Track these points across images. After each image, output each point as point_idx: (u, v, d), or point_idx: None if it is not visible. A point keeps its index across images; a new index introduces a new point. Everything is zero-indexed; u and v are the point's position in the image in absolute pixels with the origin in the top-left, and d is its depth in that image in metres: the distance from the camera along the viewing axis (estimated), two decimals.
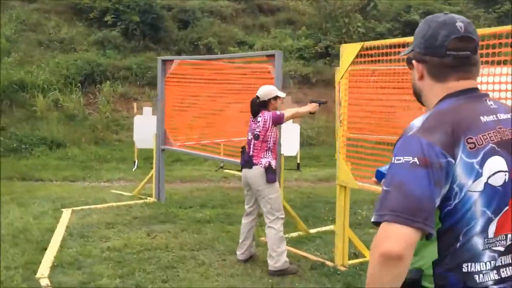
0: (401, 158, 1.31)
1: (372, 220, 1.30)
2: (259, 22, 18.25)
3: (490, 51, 3.28)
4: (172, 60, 7.36)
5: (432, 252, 1.35)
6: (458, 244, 1.33)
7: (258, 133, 4.58)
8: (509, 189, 1.36)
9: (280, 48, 15.95)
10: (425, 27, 1.44)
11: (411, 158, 1.28)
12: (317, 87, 15.10)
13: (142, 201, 7.37)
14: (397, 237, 1.22)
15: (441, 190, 1.29)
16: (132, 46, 15.73)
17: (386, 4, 18.17)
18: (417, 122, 1.37)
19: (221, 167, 10.24)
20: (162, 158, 7.50)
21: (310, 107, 4.98)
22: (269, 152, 4.62)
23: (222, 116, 8.22)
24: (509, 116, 1.42)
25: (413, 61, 1.48)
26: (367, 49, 4.36)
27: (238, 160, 7.64)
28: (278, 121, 4.66)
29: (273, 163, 4.65)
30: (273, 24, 18.22)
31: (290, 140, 8.81)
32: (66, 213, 6.55)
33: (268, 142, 4.60)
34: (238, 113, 8.80)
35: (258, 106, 4.68)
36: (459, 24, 1.40)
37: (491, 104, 1.43)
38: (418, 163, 1.27)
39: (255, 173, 4.57)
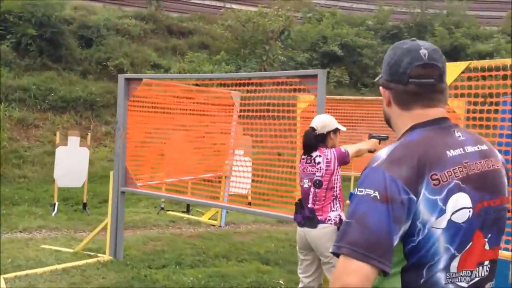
0: (363, 190, 1.29)
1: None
2: (171, 45, 16.90)
3: None
4: (139, 80, 5.82)
5: (395, 284, 1.32)
6: (422, 280, 1.31)
7: (320, 178, 3.59)
8: (473, 225, 1.34)
9: (200, 73, 14.79)
10: (391, 54, 1.45)
11: (372, 191, 1.27)
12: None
13: (93, 260, 5.61)
14: (355, 272, 1.21)
15: (401, 227, 1.26)
16: (26, 63, 13.31)
17: (299, 34, 18.00)
18: (383, 153, 1.35)
19: (162, 209, 8.65)
20: (122, 203, 5.85)
21: (371, 143, 3.97)
22: (337, 202, 3.64)
23: (188, 149, 6.90)
24: (476, 148, 1.41)
25: (380, 88, 1.48)
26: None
27: (209, 201, 6.49)
28: (344, 160, 3.67)
29: (343, 217, 3.57)
30: (186, 48, 16.99)
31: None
32: None
33: (334, 189, 3.62)
34: (204, 146, 7.54)
35: (316, 141, 3.60)
36: (422, 51, 1.40)
37: (459, 136, 1.41)
38: (378, 197, 1.25)
39: (322, 234, 3.55)
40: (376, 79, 1.55)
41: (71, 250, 5.97)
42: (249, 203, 8.29)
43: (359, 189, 1.30)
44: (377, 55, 17.37)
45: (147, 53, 15.33)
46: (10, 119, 11.10)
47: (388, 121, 1.52)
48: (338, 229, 3.46)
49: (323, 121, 3.67)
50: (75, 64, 14.02)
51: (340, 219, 3.54)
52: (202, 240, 6.82)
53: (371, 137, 4.05)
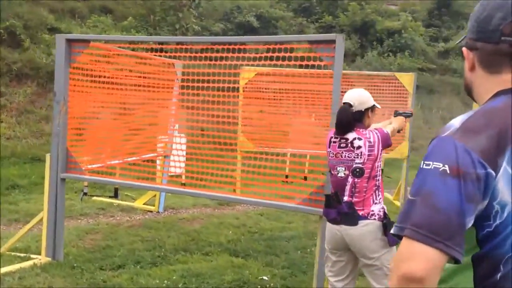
0: (430, 163, 1.12)
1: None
2: (69, 7, 15.04)
3: None
4: (83, 42, 4.73)
5: (466, 281, 1.16)
6: (499, 275, 1.13)
7: (361, 166, 3.01)
8: None
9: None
10: (479, 9, 1.26)
11: (441, 165, 1.10)
12: None
13: (28, 263, 4.55)
14: (420, 257, 1.06)
15: (476, 207, 1.09)
16: None
17: (211, 2, 17.12)
18: (456, 121, 1.18)
19: (85, 194, 7.52)
20: (62, 193, 4.80)
21: (399, 121, 3.53)
22: (379, 193, 3.08)
23: (131, 127, 6.00)
24: None
25: (463, 49, 1.30)
26: None
27: (155, 184, 5.66)
28: (387, 143, 3.13)
29: (386, 210, 3.10)
30: (86, 11, 15.26)
31: None
32: None
33: (377, 178, 3.07)
34: (146, 123, 6.63)
35: (353, 119, 3.07)
36: None
37: None
38: (448, 171, 1.09)
39: (366, 232, 2.98)
40: (459, 40, 1.40)
41: None
42: (183, 184, 7.57)
43: (425, 162, 1.15)
44: (291, 28, 17.16)
45: (42, 15, 13.43)
46: None
47: (469, 90, 1.33)
48: (383, 225, 2.96)
49: (360, 97, 3.11)
50: None
51: (385, 213, 3.02)
52: (148, 230, 5.98)
53: (396, 114, 3.60)
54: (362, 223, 2.99)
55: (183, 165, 7.02)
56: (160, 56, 6.18)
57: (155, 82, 6.27)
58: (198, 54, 4.57)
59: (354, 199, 3.02)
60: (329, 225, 3.15)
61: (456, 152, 1.10)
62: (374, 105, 3.18)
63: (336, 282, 3.20)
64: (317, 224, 4.57)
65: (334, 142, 3.11)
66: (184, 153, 6.91)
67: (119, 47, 5.62)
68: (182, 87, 6.29)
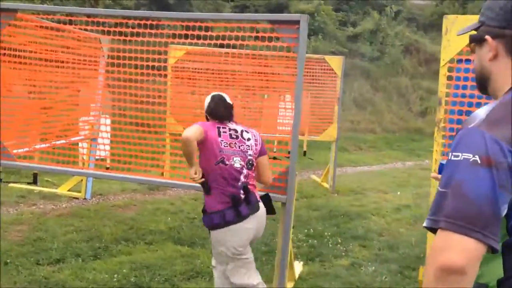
0: (459, 154, 1.13)
1: (424, 224, 1.15)
2: None
3: None
4: (12, 11, 4.19)
5: (496, 268, 1.18)
6: None
7: (252, 158, 3.10)
8: None
9: None
10: None
11: (471, 155, 1.11)
12: None
13: None
14: (458, 248, 1.06)
15: (508, 195, 1.11)
16: None
17: None
18: (482, 111, 1.19)
19: (0, 180, 6.86)
20: None
21: None
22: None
23: (58, 107, 5.56)
24: None
25: (487, 37, 1.26)
26: None
27: (82, 169, 5.27)
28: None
29: None
30: None
31: None
32: None
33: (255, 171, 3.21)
34: (73, 103, 6.17)
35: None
36: None
37: None
38: (479, 161, 1.10)
39: (263, 211, 3.15)
40: (468, 29, 1.35)
41: None
42: (107, 168, 7.20)
43: (453, 153, 1.14)
44: (206, 7, 16.82)
45: None
46: None
47: (484, 80, 1.31)
48: (265, 205, 3.19)
49: (224, 95, 3.22)
50: None
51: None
52: (80, 219, 5.60)
53: None
54: (260, 205, 3.12)
55: (108, 148, 6.66)
56: (86, 30, 5.72)
57: (79, 59, 5.80)
58: (130, 30, 4.24)
59: (250, 189, 3.07)
60: (234, 227, 2.95)
61: (485, 142, 1.10)
62: None
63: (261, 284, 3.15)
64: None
65: (224, 132, 3.03)
66: (109, 135, 6.55)
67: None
68: (107, 65, 5.92)
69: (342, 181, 8.57)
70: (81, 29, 5.61)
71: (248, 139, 3.09)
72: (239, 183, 2.99)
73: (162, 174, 7.52)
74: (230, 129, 3.06)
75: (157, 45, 4.35)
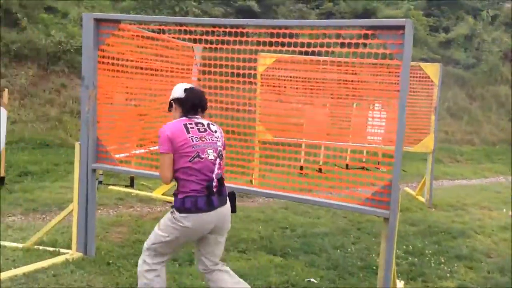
0: None
1: None
2: None
3: None
4: (113, 22, 4.36)
5: None
6: None
7: (221, 149, 3.20)
8: None
9: None
10: None
11: None
12: None
13: (59, 258, 4.24)
14: None
15: None
16: None
17: None
18: None
19: (100, 182, 7.19)
20: (93, 184, 4.48)
21: None
22: None
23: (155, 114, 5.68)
24: None
25: None
26: None
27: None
28: None
29: None
30: None
31: None
32: None
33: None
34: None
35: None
36: None
37: None
38: None
39: (228, 207, 3.21)
40: None
41: (19, 245, 4.49)
42: None
43: None
44: (291, 14, 16.81)
45: None
46: None
47: None
48: (231, 199, 3.26)
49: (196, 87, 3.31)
50: None
51: None
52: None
53: None
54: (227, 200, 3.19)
55: None
56: (179, 38, 5.84)
57: (173, 67, 5.93)
58: (221, 38, 4.24)
59: (222, 180, 3.13)
60: (201, 215, 3.00)
61: None
62: None
63: (159, 263, 3.22)
64: (367, 223, 4.32)
65: (192, 128, 3.08)
66: None
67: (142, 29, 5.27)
68: (199, 73, 6.00)
69: (439, 194, 8.07)
70: (174, 37, 5.75)
71: (215, 131, 3.17)
72: (214, 174, 3.06)
73: (251, 181, 7.53)
74: (197, 124, 3.11)
75: (247, 52, 4.34)
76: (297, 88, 8.55)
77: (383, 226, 3.55)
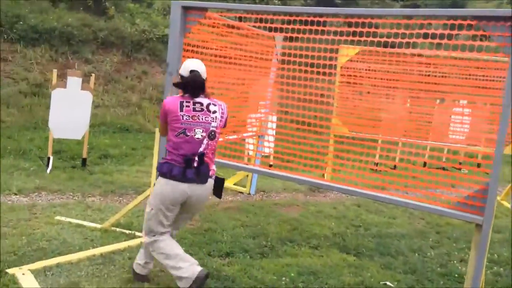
0: None
1: None
2: None
3: None
4: (200, 10, 4.37)
5: None
6: None
7: (215, 129, 3.31)
8: None
9: None
10: None
11: None
12: None
13: (135, 241, 4.34)
14: None
15: None
16: None
17: None
18: None
19: None
20: None
21: None
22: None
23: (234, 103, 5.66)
24: None
25: None
26: None
27: (249, 165, 5.30)
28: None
29: None
30: None
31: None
32: (25, 280, 3.32)
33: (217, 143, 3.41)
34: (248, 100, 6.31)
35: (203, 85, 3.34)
36: None
37: None
38: None
39: (208, 188, 3.37)
40: None
41: (98, 226, 4.65)
42: (270, 165, 7.22)
43: None
44: (373, 6, 16.25)
45: None
46: None
47: None
48: (215, 183, 3.41)
49: (203, 67, 3.36)
50: None
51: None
52: (246, 214, 5.67)
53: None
54: (209, 181, 3.31)
55: (272, 145, 6.68)
56: (259, 27, 5.76)
57: (253, 56, 5.88)
58: (302, 27, 4.10)
59: (206, 160, 3.25)
60: (174, 183, 3.21)
61: None
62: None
63: (167, 226, 3.40)
64: (451, 228, 4.05)
65: (187, 106, 3.22)
66: (274, 132, 6.57)
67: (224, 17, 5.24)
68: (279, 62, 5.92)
69: None
70: (255, 26, 5.68)
71: (214, 112, 3.28)
72: (198, 151, 3.21)
73: (323, 175, 7.37)
74: (195, 103, 3.24)
75: (330, 43, 4.19)
76: (381, 80, 8.24)
77: (475, 233, 3.28)
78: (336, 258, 4.49)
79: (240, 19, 4.67)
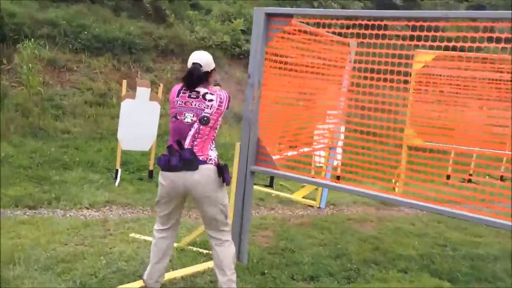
0: None
1: None
2: None
3: None
4: (285, 17, 4.13)
5: None
6: None
7: (208, 115, 3.30)
8: None
9: (246, 17, 12.94)
10: None
11: None
12: None
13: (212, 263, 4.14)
14: None
15: None
16: None
17: None
18: None
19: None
20: (250, 188, 4.32)
21: None
22: (214, 143, 3.39)
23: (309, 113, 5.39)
24: None
25: None
26: None
27: (319, 179, 4.98)
28: (229, 105, 3.48)
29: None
30: None
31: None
32: None
33: (216, 130, 3.38)
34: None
35: (203, 77, 3.36)
36: None
37: None
38: None
39: (206, 174, 3.25)
40: None
41: (174, 245, 4.48)
42: (338, 177, 6.86)
43: None
44: (436, 8, 15.61)
45: None
46: (40, 59, 9.28)
47: None
48: (218, 168, 3.26)
49: (207, 59, 3.40)
50: None
51: (218, 160, 3.31)
52: (321, 231, 5.39)
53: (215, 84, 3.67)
54: (202, 167, 3.21)
55: (339, 157, 6.34)
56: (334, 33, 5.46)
57: (327, 64, 5.60)
58: (374, 31, 3.79)
59: (195, 146, 3.22)
60: (165, 174, 3.26)
61: None
62: (214, 67, 3.45)
63: (159, 231, 3.46)
64: None
65: (184, 93, 3.29)
66: (342, 143, 6.23)
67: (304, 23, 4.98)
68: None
69: None
70: (329, 32, 5.39)
71: (210, 100, 3.28)
72: (186, 137, 3.20)
73: (394, 189, 6.97)
74: (192, 91, 3.28)
75: (405, 48, 3.88)
76: (457, 87, 7.77)
77: None
78: (430, 284, 4.13)
79: (322, 24, 4.40)
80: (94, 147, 7.46)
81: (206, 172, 3.23)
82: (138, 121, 6.36)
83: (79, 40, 10.14)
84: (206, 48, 11.33)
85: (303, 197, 6.79)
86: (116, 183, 6.36)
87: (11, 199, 5.31)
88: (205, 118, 3.24)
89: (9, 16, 9.52)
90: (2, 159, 6.39)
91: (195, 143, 3.21)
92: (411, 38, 3.70)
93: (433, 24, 3.78)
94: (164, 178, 3.28)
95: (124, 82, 6.46)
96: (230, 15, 13.03)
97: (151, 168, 6.78)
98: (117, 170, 6.49)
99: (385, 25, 3.76)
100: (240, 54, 12.08)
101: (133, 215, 5.41)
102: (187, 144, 3.20)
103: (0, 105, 7.71)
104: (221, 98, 3.34)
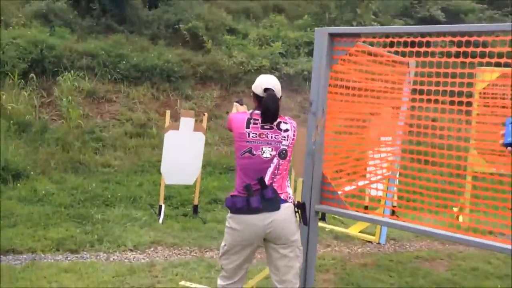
0: None
1: None
2: (243, 7, 14.71)
3: None
4: (354, 36, 3.69)
5: None
6: None
7: (286, 148, 2.99)
8: None
9: (284, 40, 12.63)
10: None
11: None
12: None
13: None
14: None
15: None
16: (88, 24, 11.43)
17: None
18: None
19: None
20: (315, 229, 3.82)
21: (241, 109, 3.45)
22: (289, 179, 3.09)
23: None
24: None
25: None
26: None
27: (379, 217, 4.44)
28: None
29: None
30: (259, 11, 14.84)
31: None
32: None
33: (290, 163, 3.06)
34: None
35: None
36: None
37: None
38: None
39: (286, 215, 2.93)
40: None
41: None
42: (393, 212, 6.25)
43: None
44: (481, 22, 14.93)
45: (221, 16, 13.16)
46: (80, 91, 9.14)
47: None
48: (296, 207, 3.04)
49: (277, 83, 3.14)
50: (143, 27, 11.97)
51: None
52: (389, 273, 4.84)
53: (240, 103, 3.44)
54: (283, 206, 2.93)
55: (395, 189, 5.76)
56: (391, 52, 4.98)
57: (387, 86, 5.11)
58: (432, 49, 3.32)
59: (274, 183, 2.93)
60: (242, 217, 2.89)
61: None
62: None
63: (229, 285, 3.02)
64: None
65: (255, 123, 2.97)
66: (397, 173, 5.64)
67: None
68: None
69: None
70: (389, 52, 4.92)
71: (286, 130, 3.01)
72: (266, 174, 2.91)
73: (457, 217, 6.34)
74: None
75: (467, 67, 3.40)
76: None
77: None
78: None
79: (387, 44, 3.95)
80: (135, 181, 7.15)
81: (288, 212, 2.97)
82: (183, 153, 6.00)
83: (118, 70, 10.00)
84: (245, 73, 11.04)
85: (360, 232, 6.24)
86: (160, 220, 5.98)
87: (53, 242, 4.99)
88: (284, 152, 2.98)
89: (49, 49, 9.47)
90: (43, 197, 6.12)
91: (275, 180, 2.93)
92: (470, 55, 3.22)
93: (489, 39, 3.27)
94: (239, 223, 2.91)
95: (168, 112, 6.13)
96: (267, 38, 12.75)
97: (195, 202, 6.39)
98: (160, 206, 6.12)
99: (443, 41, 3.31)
100: (279, 78, 11.65)
101: (180, 257, 5.00)
102: (267, 182, 2.91)
103: (41, 140, 7.52)
104: (294, 127, 3.08)
